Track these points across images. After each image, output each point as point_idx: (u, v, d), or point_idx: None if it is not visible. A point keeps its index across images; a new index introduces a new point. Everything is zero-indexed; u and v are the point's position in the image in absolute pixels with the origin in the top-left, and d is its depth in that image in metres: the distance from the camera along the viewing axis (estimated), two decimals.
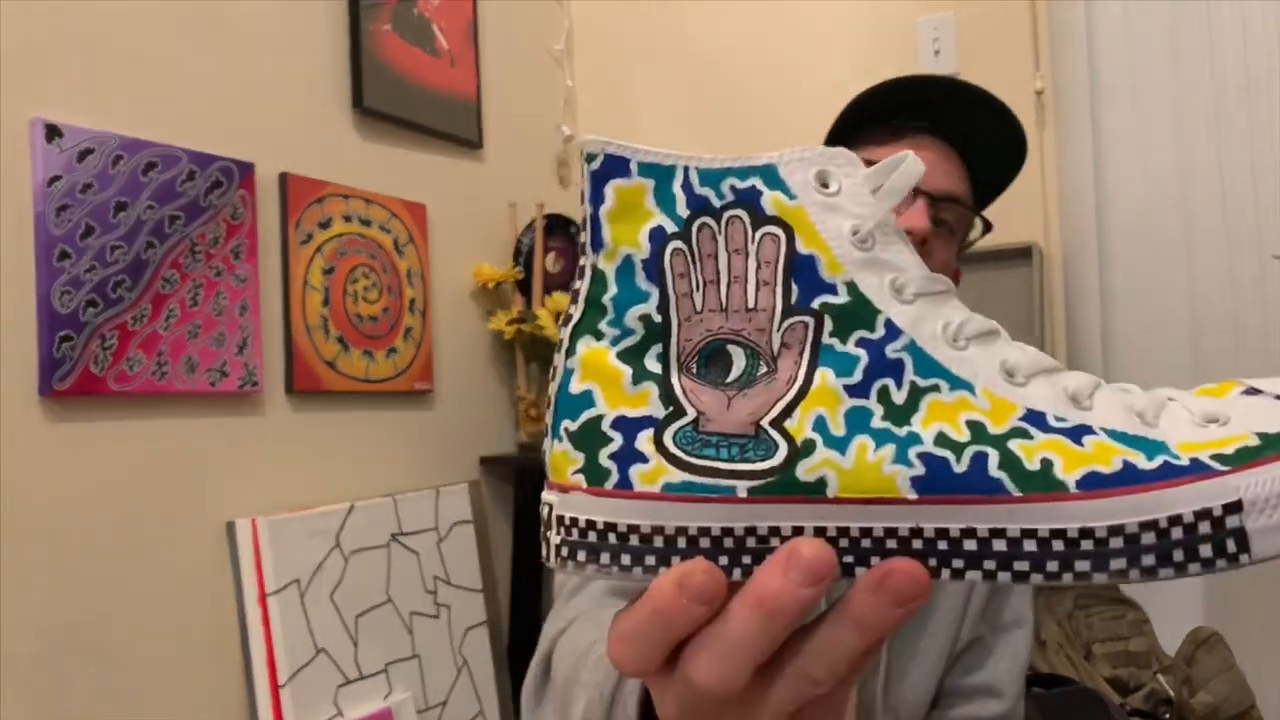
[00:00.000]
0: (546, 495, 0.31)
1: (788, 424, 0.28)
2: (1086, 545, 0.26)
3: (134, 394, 1.16)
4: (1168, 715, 1.35)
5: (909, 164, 0.29)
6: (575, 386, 0.30)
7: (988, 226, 0.83)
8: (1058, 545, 0.26)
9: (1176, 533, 0.26)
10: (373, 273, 1.50)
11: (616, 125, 2.05)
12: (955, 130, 0.80)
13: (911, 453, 0.27)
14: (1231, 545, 0.26)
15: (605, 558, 0.29)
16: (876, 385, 0.28)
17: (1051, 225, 1.68)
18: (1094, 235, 1.61)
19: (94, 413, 1.13)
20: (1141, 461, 0.27)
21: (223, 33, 1.31)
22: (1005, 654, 0.82)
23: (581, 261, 0.31)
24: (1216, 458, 0.26)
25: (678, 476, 0.28)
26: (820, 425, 0.28)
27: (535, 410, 1.73)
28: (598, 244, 0.30)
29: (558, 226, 1.82)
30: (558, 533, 0.30)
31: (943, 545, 0.27)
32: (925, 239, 0.75)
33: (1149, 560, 0.26)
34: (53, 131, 1.09)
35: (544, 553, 0.31)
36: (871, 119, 0.81)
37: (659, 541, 0.28)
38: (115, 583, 1.14)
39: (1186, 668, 1.38)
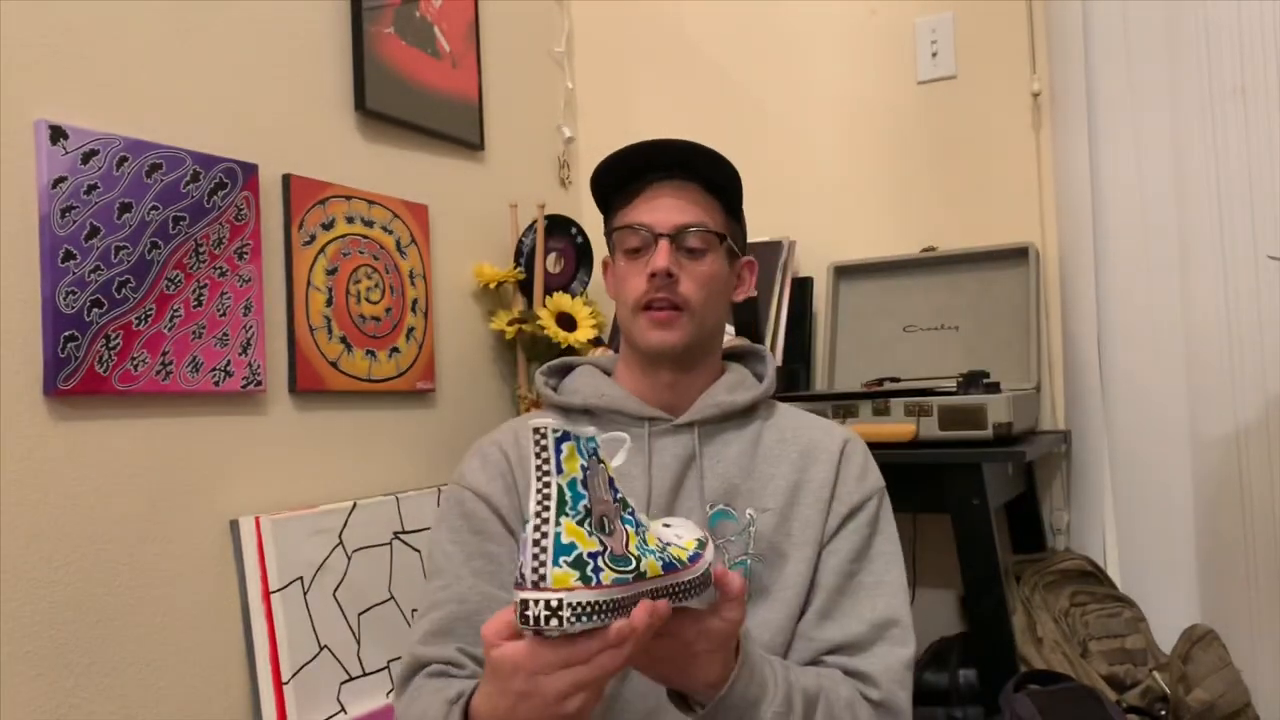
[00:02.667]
0: (553, 597, 0.58)
1: (630, 549, 0.63)
2: (677, 590, 0.66)
3: (138, 393, 1.17)
4: (1163, 712, 1.36)
5: (616, 441, 0.68)
6: (564, 540, 0.59)
7: (734, 237, 0.99)
8: (677, 590, 0.66)
9: (685, 586, 0.67)
10: (375, 273, 1.51)
11: (616, 125, 2.06)
12: (689, 170, 0.95)
13: (656, 556, 0.65)
14: (703, 588, 0.68)
15: (596, 619, 0.59)
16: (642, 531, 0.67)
17: (1048, 226, 1.69)
18: (1090, 236, 1.62)
19: (98, 412, 1.14)
20: (670, 562, 0.66)
21: (226, 35, 1.32)
22: (881, 650, 0.90)
23: (548, 479, 0.61)
24: (689, 558, 0.68)
25: (614, 576, 0.60)
26: (639, 547, 0.64)
27: (536, 409, 1.73)
28: (559, 470, 0.61)
29: (558, 227, 1.83)
30: (571, 611, 0.58)
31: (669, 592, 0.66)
32: (670, 273, 0.91)
33: (680, 597, 0.66)
34: (57, 133, 1.10)
35: (555, 625, 0.59)
36: (623, 178, 0.96)
37: (613, 605, 0.60)
38: (119, 581, 1.15)
39: (1182, 665, 1.39)
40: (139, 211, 1.17)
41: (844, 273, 1.77)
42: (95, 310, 1.12)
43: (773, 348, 1.69)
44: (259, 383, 1.31)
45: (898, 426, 1.38)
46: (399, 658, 1.42)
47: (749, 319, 1.65)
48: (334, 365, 1.43)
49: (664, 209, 0.93)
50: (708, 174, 0.95)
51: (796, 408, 1.03)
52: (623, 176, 0.96)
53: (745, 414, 0.97)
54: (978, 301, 1.66)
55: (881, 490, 0.98)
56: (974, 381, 1.41)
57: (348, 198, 1.47)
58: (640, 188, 0.95)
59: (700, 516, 0.92)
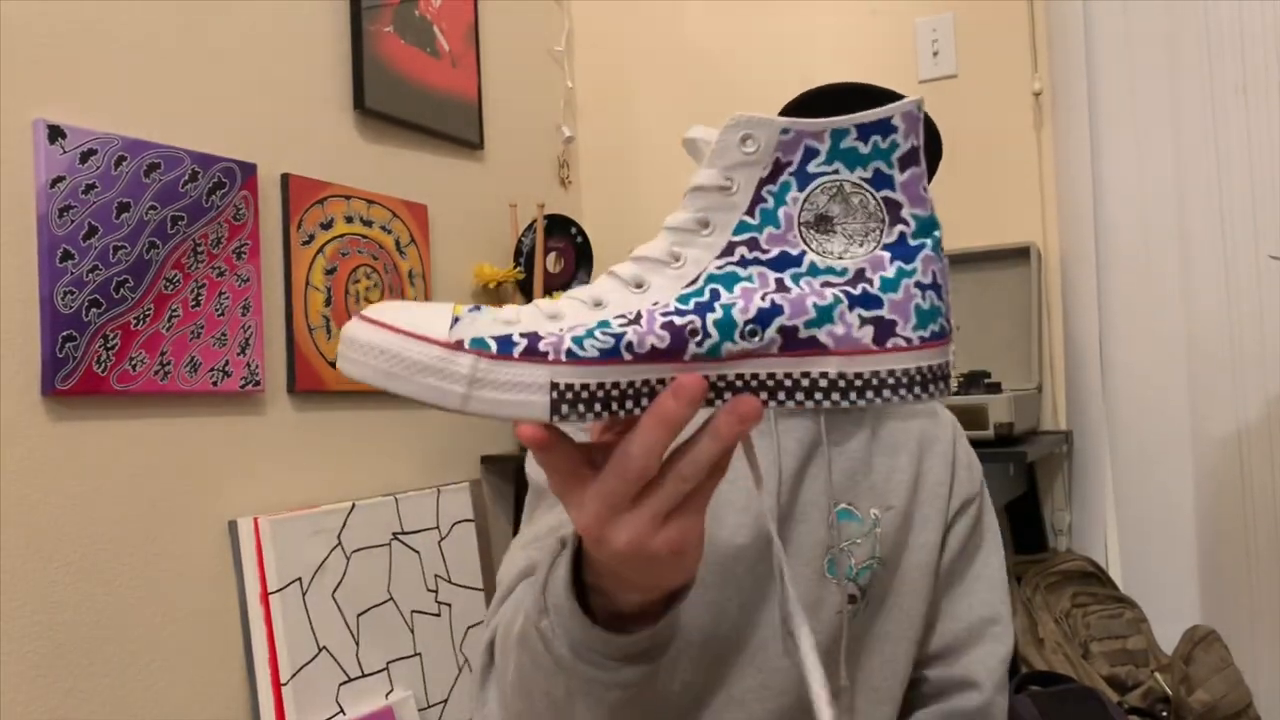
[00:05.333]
0: None
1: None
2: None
3: (136, 394, 1.17)
4: (1165, 713, 1.35)
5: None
6: None
7: None
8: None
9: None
10: (374, 273, 1.51)
11: (616, 126, 2.05)
12: None
13: None
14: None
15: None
16: None
17: (1049, 225, 1.69)
18: (1091, 235, 1.61)
19: (96, 412, 1.14)
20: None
21: (225, 34, 1.32)
22: (981, 650, 0.83)
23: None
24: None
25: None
26: None
27: None
28: None
29: (558, 226, 1.83)
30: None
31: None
32: None
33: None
34: (55, 132, 1.10)
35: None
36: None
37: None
38: (117, 582, 1.14)
39: (1184, 666, 1.39)
40: (137, 211, 1.17)
41: None
42: (93, 310, 1.12)
43: None
44: (257, 383, 1.30)
45: None
46: (398, 658, 1.43)
47: None
48: (333, 365, 1.43)
49: None
50: None
51: None
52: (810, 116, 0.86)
53: None
54: (978, 301, 1.66)
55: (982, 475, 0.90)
56: (975, 381, 1.40)
57: (347, 197, 1.47)
58: None
59: (826, 515, 0.78)
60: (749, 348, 0.41)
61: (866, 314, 0.41)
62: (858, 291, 0.42)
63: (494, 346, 0.39)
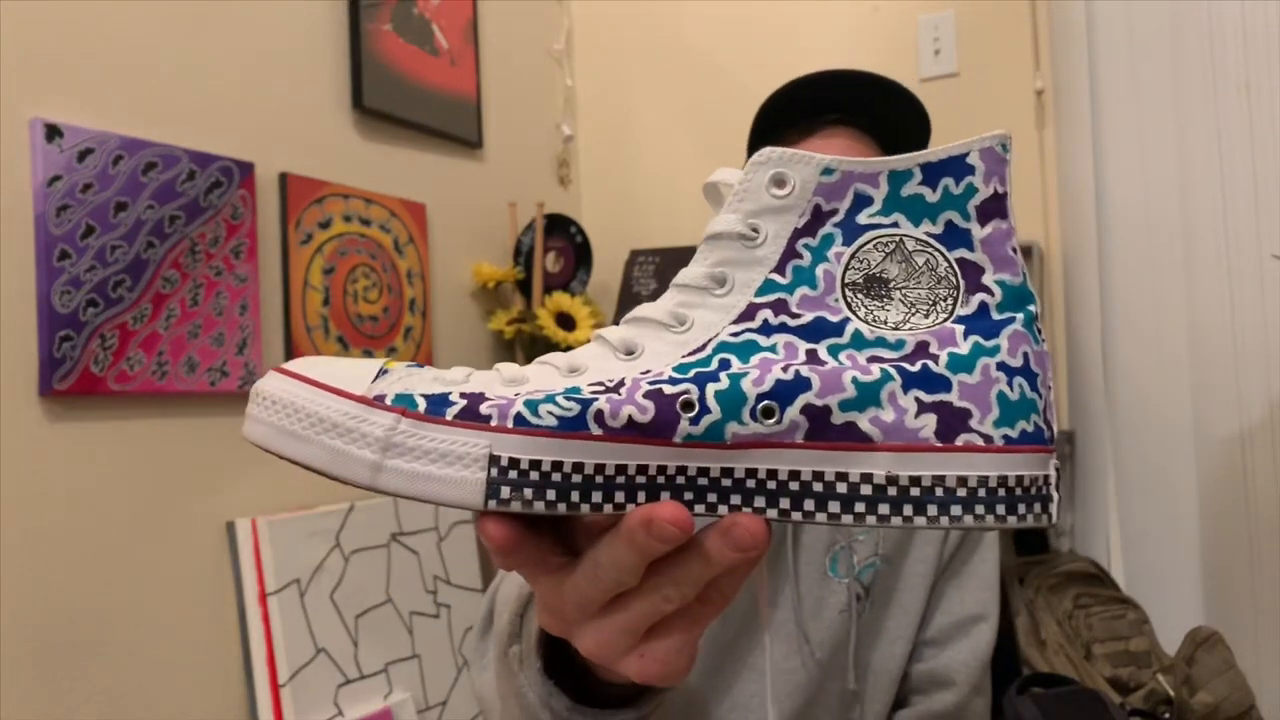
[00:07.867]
0: None
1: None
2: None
3: (134, 394, 1.16)
4: (1167, 715, 1.35)
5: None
6: None
7: None
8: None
9: None
10: (373, 272, 1.51)
11: (616, 125, 2.05)
12: (864, 117, 0.85)
13: None
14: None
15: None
16: None
17: (1051, 225, 1.68)
18: (1094, 235, 1.61)
19: (94, 412, 1.13)
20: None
21: (223, 32, 1.31)
22: (962, 646, 0.82)
23: None
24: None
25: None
26: None
27: None
28: None
29: (558, 226, 1.82)
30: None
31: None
32: None
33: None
34: (53, 131, 1.09)
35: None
36: (787, 118, 0.85)
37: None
38: (115, 583, 1.14)
39: (1186, 667, 1.38)
40: (135, 210, 1.17)
41: None
42: (91, 310, 1.11)
43: None
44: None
45: None
46: (397, 660, 1.42)
47: None
48: None
49: (840, 153, 0.79)
50: (899, 134, 0.84)
51: None
52: (801, 106, 0.84)
53: None
54: None
55: None
56: None
57: (345, 196, 1.46)
58: (814, 126, 0.83)
59: None
60: (763, 432, 0.32)
61: (927, 398, 0.32)
62: (916, 368, 0.33)
63: (422, 405, 0.32)
